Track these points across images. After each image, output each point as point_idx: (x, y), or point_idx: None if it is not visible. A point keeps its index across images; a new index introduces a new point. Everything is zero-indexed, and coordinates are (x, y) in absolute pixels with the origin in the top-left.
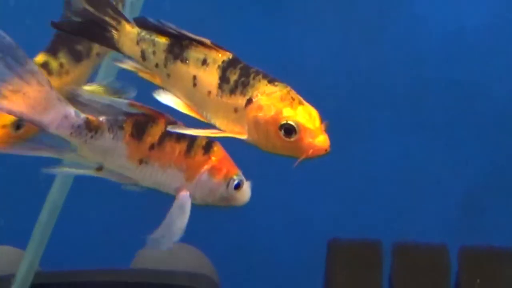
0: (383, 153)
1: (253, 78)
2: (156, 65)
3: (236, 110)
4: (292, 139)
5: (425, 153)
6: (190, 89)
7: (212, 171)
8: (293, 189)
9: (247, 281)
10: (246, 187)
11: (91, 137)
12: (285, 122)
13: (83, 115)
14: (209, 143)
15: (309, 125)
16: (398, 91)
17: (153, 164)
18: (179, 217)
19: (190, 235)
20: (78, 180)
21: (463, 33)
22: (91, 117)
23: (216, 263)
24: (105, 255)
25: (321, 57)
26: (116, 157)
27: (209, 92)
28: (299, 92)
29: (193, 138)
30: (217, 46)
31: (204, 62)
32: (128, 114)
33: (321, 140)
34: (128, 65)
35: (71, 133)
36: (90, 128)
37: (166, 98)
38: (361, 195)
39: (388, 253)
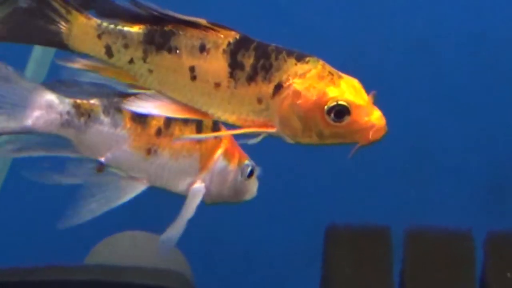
0: (395, 127)
1: (276, 58)
2: (131, 61)
3: (260, 100)
4: (343, 123)
5: (443, 128)
6: (187, 84)
7: (227, 155)
8: (282, 171)
9: (227, 278)
10: (257, 173)
11: (85, 123)
12: (334, 104)
13: (68, 99)
14: (216, 123)
15: (360, 101)
16: (417, 66)
17: (163, 153)
18: (186, 209)
19: (160, 225)
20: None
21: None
22: (79, 100)
23: (191, 258)
24: (57, 250)
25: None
26: (118, 149)
27: (217, 84)
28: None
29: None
30: (216, 25)
31: (203, 48)
32: (124, 95)
33: (378, 117)
34: (80, 63)
35: (61, 125)
36: (81, 112)
37: (144, 105)
38: (366, 172)
39: (399, 241)
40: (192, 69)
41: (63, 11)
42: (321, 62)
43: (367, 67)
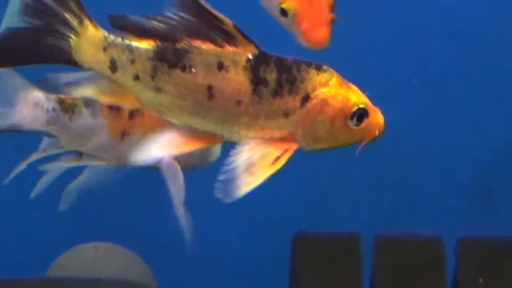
0: None
1: (298, 70)
2: (136, 78)
3: (286, 114)
4: (361, 126)
5: (423, 128)
6: (204, 103)
7: None
8: None
9: None
10: None
11: (69, 119)
12: (356, 108)
13: (53, 95)
14: None
15: (370, 103)
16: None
17: (135, 134)
18: (176, 188)
19: (122, 234)
20: None
21: None
22: (63, 96)
23: (155, 268)
24: (18, 263)
25: None
26: (98, 137)
27: (238, 102)
28: None
29: None
30: (239, 31)
31: (221, 66)
32: None
33: (381, 116)
34: (81, 90)
35: (47, 122)
36: (66, 108)
37: (150, 152)
38: (333, 177)
39: (369, 248)
40: (209, 88)
41: (75, 21)
42: (332, 69)
43: (346, 65)
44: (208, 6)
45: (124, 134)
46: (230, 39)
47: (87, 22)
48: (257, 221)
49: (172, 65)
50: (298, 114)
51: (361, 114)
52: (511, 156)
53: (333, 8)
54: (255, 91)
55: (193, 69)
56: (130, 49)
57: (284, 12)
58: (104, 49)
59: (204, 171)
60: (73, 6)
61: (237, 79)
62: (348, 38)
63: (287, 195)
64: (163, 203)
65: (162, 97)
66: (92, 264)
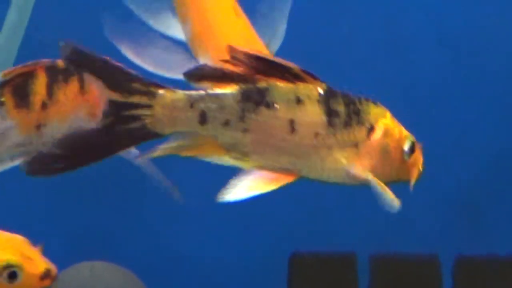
0: None
1: (360, 103)
2: (226, 123)
3: (356, 144)
4: (411, 159)
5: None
6: (287, 137)
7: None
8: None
9: None
10: None
11: None
12: (410, 141)
13: None
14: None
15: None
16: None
17: (52, 123)
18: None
19: (118, 254)
20: None
21: None
22: None
23: (150, 285)
24: None
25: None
26: (9, 139)
27: (316, 134)
28: None
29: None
30: (305, 72)
31: (299, 100)
32: (1, 85)
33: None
34: (161, 150)
35: None
36: None
37: (240, 191)
38: (327, 196)
39: (365, 268)
40: (291, 122)
41: (144, 99)
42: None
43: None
44: (272, 59)
45: (39, 126)
46: (298, 78)
47: (161, 91)
48: (254, 239)
49: (258, 104)
50: (365, 145)
51: (412, 148)
52: (500, 171)
53: None
54: (330, 122)
55: (276, 105)
56: (218, 97)
57: None
58: (191, 106)
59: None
60: (140, 87)
61: (314, 112)
62: (336, 45)
63: (283, 214)
64: (155, 221)
65: (249, 137)
66: (88, 283)
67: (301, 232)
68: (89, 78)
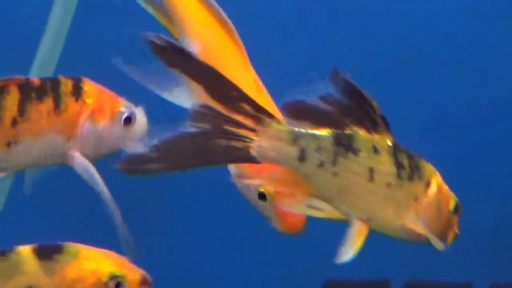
0: None
1: (418, 158)
2: (320, 165)
3: (416, 198)
4: (454, 218)
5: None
6: (366, 185)
7: (94, 116)
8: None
9: None
10: (140, 115)
11: None
12: (456, 201)
13: None
14: (77, 83)
15: None
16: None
17: (23, 140)
18: (94, 185)
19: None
20: None
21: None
22: None
23: None
24: None
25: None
26: None
27: (389, 184)
28: None
29: (56, 86)
30: (385, 120)
31: (375, 150)
32: None
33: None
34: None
35: None
36: None
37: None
38: None
39: None
40: (371, 170)
41: (253, 123)
42: None
43: None
44: (364, 92)
45: (10, 144)
46: (374, 125)
47: (268, 120)
48: (288, 266)
49: (347, 149)
50: (423, 199)
51: (458, 207)
52: None
53: None
54: (398, 174)
55: (360, 152)
56: (316, 137)
57: (262, 196)
58: (294, 141)
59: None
60: (249, 109)
61: (387, 162)
62: (355, 67)
63: (317, 240)
64: (181, 241)
65: (337, 182)
66: None
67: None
68: (67, 98)
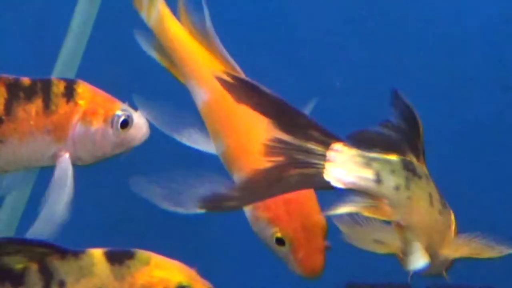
0: None
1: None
2: (397, 188)
3: (449, 226)
4: None
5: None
6: (427, 210)
7: (86, 117)
8: None
9: None
10: (139, 119)
11: None
12: None
13: None
14: (70, 85)
15: None
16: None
17: (11, 139)
18: (60, 190)
19: None
20: None
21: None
22: None
23: None
24: None
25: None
26: None
27: (440, 211)
28: None
29: (46, 88)
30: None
31: (428, 176)
32: None
33: None
34: (344, 207)
35: None
36: None
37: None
38: None
39: None
40: (430, 195)
41: (320, 148)
42: None
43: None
44: (418, 118)
45: None
46: (420, 153)
47: (338, 145)
48: None
49: (414, 173)
50: (453, 227)
51: None
52: None
53: (326, 235)
54: (442, 201)
55: (422, 178)
56: (388, 161)
57: (280, 242)
58: (367, 164)
59: None
60: (318, 135)
61: (436, 189)
62: (399, 86)
63: (338, 243)
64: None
65: (409, 206)
66: None
67: (356, 262)
68: (57, 99)
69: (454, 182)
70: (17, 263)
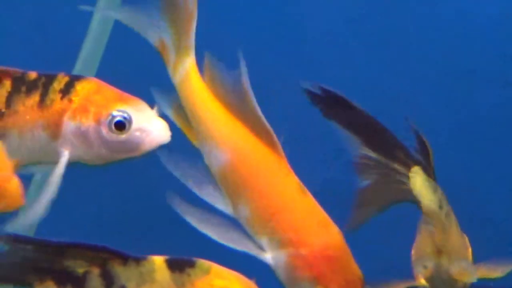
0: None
1: None
2: (447, 215)
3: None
4: None
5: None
6: (458, 235)
7: (75, 115)
8: None
9: None
10: (149, 123)
11: None
12: None
13: None
14: (72, 81)
15: None
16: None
17: (11, 134)
18: (46, 187)
19: None
20: None
21: None
22: None
23: None
24: None
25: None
26: None
27: (462, 235)
28: None
29: (48, 83)
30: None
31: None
32: None
33: None
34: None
35: None
36: None
37: None
38: (393, 225)
39: None
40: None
41: (404, 169)
42: None
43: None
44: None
45: None
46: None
47: (417, 168)
48: None
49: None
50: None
51: None
52: None
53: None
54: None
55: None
56: (442, 191)
57: None
58: (435, 189)
59: None
60: (402, 156)
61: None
62: (399, 82)
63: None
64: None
65: (449, 232)
66: None
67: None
68: (54, 95)
69: (453, 176)
70: (79, 267)
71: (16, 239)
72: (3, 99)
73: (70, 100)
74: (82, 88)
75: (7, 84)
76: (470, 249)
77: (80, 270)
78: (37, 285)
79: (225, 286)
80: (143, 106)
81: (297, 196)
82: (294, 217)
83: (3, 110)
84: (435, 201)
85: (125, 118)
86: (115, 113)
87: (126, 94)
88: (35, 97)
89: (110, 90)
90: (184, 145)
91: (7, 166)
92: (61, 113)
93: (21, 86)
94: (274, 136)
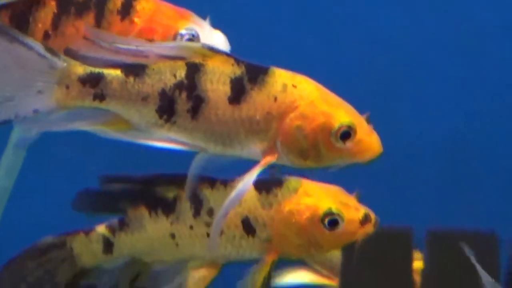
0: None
1: None
2: None
3: None
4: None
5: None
6: None
7: (142, 36)
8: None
9: None
10: (212, 37)
11: None
12: None
13: None
14: (129, 1)
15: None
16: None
17: None
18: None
19: None
20: None
21: None
22: None
23: None
24: None
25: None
26: None
27: None
28: None
29: (101, 3)
30: None
31: None
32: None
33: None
34: None
35: None
36: None
37: None
38: (389, 175)
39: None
40: None
41: None
42: None
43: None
44: None
45: None
46: None
47: None
48: None
49: None
50: None
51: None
52: None
53: None
54: None
55: None
56: None
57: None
58: None
59: None
60: None
61: None
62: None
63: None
64: None
65: None
66: None
67: None
68: (111, 16)
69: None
70: (169, 192)
71: (108, 178)
72: (49, 21)
73: (131, 21)
74: (143, 8)
75: (52, 4)
76: None
77: (170, 195)
78: (131, 212)
79: (313, 203)
80: (201, 20)
81: None
82: None
83: (50, 31)
84: None
85: (193, 36)
86: (183, 31)
87: (182, 9)
88: (89, 19)
89: (168, 7)
90: None
91: None
92: (123, 35)
93: (69, 7)
94: None
